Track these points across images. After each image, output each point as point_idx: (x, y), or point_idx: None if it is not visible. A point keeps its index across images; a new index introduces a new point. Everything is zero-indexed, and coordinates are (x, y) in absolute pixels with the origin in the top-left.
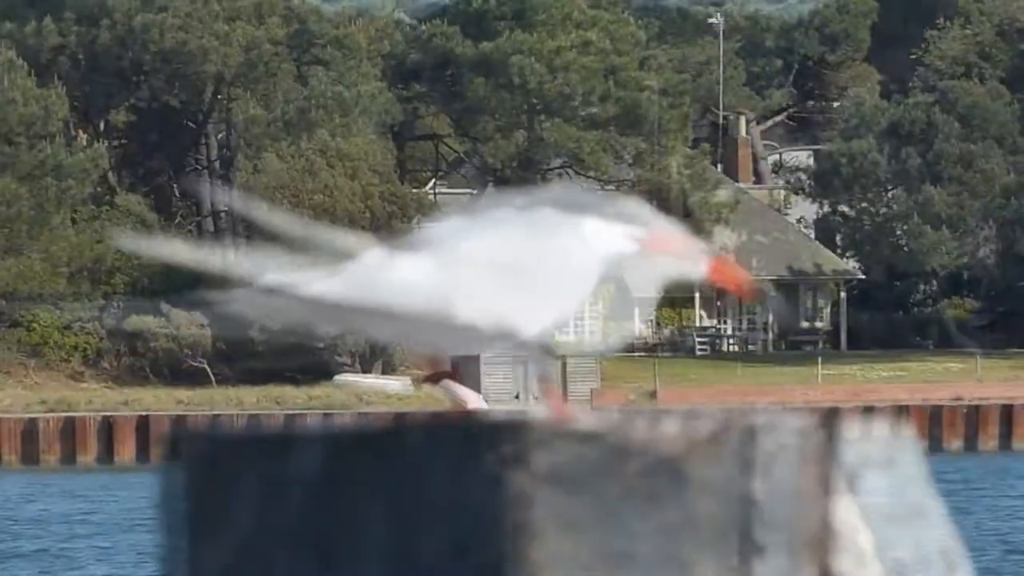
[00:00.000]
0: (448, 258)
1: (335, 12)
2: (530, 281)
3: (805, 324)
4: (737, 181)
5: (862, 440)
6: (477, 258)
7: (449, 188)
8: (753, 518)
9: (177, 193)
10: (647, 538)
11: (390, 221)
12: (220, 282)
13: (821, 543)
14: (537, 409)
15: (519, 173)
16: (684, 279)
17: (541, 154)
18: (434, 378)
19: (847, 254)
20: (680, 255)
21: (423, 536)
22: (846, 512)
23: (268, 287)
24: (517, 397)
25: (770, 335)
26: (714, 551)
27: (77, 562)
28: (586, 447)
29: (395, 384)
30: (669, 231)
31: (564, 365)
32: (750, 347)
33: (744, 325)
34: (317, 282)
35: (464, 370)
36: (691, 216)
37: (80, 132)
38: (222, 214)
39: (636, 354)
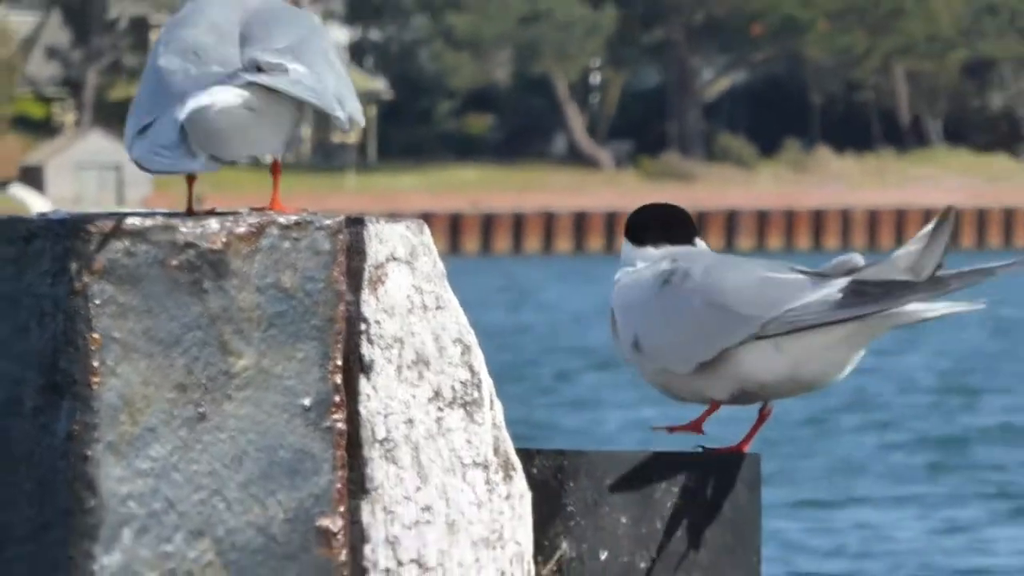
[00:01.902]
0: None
1: None
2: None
3: (337, 139)
4: None
5: (386, 240)
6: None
7: (17, 14)
8: (287, 308)
9: None
10: (192, 324)
11: None
12: None
13: (350, 331)
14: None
15: (83, 3)
16: None
17: None
18: (2, 184)
19: (376, 75)
20: None
21: None
22: (372, 304)
23: None
24: (78, 201)
25: (307, 145)
26: (253, 337)
27: None
28: (135, 242)
29: None
30: None
31: (119, 169)
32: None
33: None
34: None
35: (29, 176)
36: None
37: None
38: None
39: None
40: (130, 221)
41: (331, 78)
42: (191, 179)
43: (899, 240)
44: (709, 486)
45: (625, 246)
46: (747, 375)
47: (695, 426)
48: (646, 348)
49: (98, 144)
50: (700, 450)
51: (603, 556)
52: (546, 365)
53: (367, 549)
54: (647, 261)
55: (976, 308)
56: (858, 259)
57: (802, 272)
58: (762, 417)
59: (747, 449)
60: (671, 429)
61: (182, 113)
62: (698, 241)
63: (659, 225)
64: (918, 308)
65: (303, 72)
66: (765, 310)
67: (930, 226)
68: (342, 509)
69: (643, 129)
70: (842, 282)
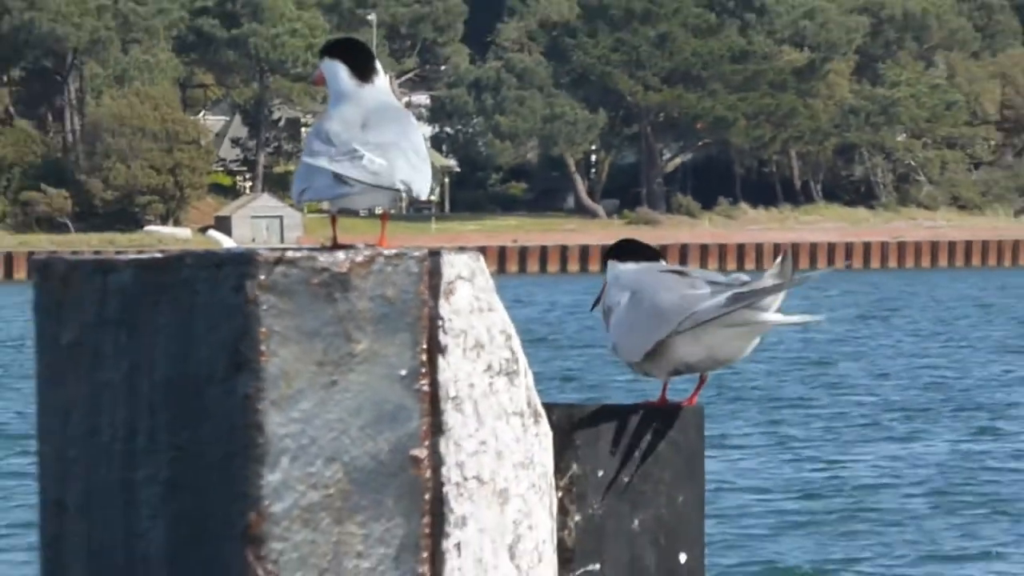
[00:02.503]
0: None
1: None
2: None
3: (425, 199)
4: None
5: (455, 265)
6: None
7: (212, 116)
8: (390, 311)
9: (50, 119)
10: (327, 321)
11: (178, 136)
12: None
13: (431, 326)
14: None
15: (256, 109)
16: None
17: (268, 98)
18: (203, 229)
19: (449, 156)
20: None
21: (194, 318)
22: (447, 307)
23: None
24: (253, 240)
25: (404, 203)
26: (367, 330)
27: None
28: (289, 268)
29: (181, 232)
30: None
31: (281, 219)
32: (391, 211)
33: None
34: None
35: (221, 224)
36: None
37: None
38: (75, 131)
39: (322, 214)
40: (287, 254)
41: (402, 165)
42: (334, 222)
43: (794, 264)
44: (671, 427)
45: (611, 263)
46: (676, 359)
47: (661, 401)
48: (617, 345)
49: (266, 203)
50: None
51: (600, 473)
52: (555, 344)
53: (443, 470)
54: (620, 272)
55: (816, 320)
56: (745, 278)
57: (714, 282)
58: (702, 380)
59: (695, 402)
60: (647, 404)
61: (330, 167)
62: (662, 261)
63: (634, 250)
64: (769, 316)
65: (378, 162)
66: (679, 314)
67: (780, 259)
68: (427, 443)
69: (625, 191)
70: (729, 292)
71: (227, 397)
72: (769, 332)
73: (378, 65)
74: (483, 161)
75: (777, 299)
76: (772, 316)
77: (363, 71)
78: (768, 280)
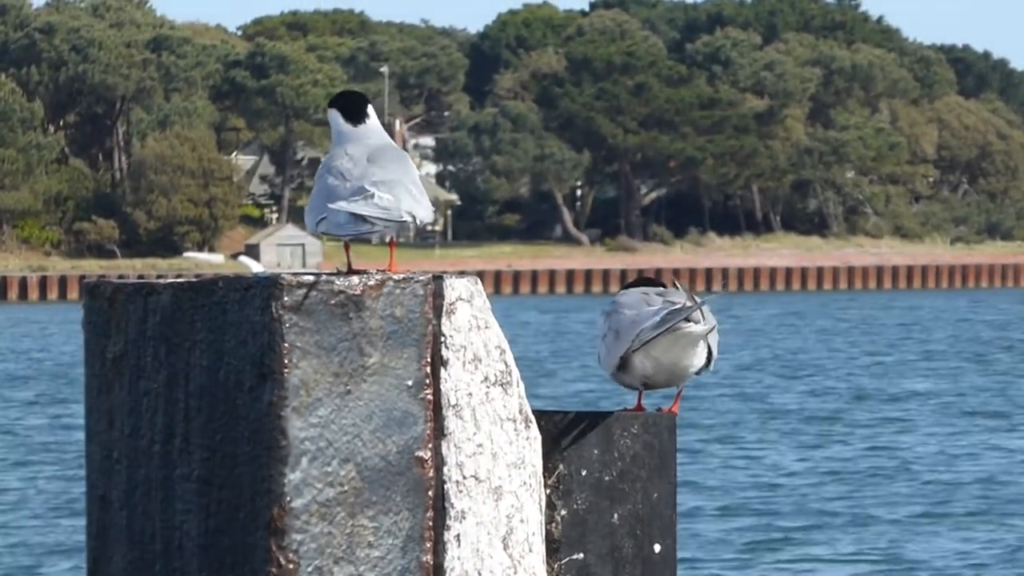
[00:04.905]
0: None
1: (185, 63)
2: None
3: (429, 228)
4: None
5: (456, 288)
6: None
7: (243, 156)
8: (398, 328)
9: (100, 158)
10: (343, 337)
11: (213, 173)
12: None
13: (434, 341)
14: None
15: (282, 150)
16: None
17: (293, 140)
18: (235, 255)
19: (451, 191)
20: None
21: (225, 334)
22: (448, 325)
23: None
24: (279, 265)
25: (412, 232)
26: (378, 345)
27: None
28: (311, 290)
29: (215, 258)
30: None
31: (304, 246)
32: (399, 239)
33: None
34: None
35: (250, 251)
36: None
37: (50, 126)
38: (123, 169)
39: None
40: (307, 277)
41: (406, 198)
42: (348, 249)
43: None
44: (646, 430)
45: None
46: (638, 372)
47: (637, 408)
48: (600, 360)
49: (291, 232)
50: (657, 410)
51: (583, 473)
52: (542, 355)
53: (445, 469)
54: (626, 295)
55: (709, 328)
56: (683, 295)
57: (669, 300)
58: (679, 393)
59: (676, 411)
60: (626, 409)
61: (347, 208)
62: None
63: (640, 281)
64: (693, 327)
65: (387, 197)
66: (632, 333)
67: (676, 284)
68: (430, 446)
69: (606, 222)
70: (664, 311)
71: (254, 404)
72: (700, 341)
73: (370, 110)
74: (481, 195)
75: (700, 313)
76: (695, 327)
77: (354, 115)
78: (686, 299)
